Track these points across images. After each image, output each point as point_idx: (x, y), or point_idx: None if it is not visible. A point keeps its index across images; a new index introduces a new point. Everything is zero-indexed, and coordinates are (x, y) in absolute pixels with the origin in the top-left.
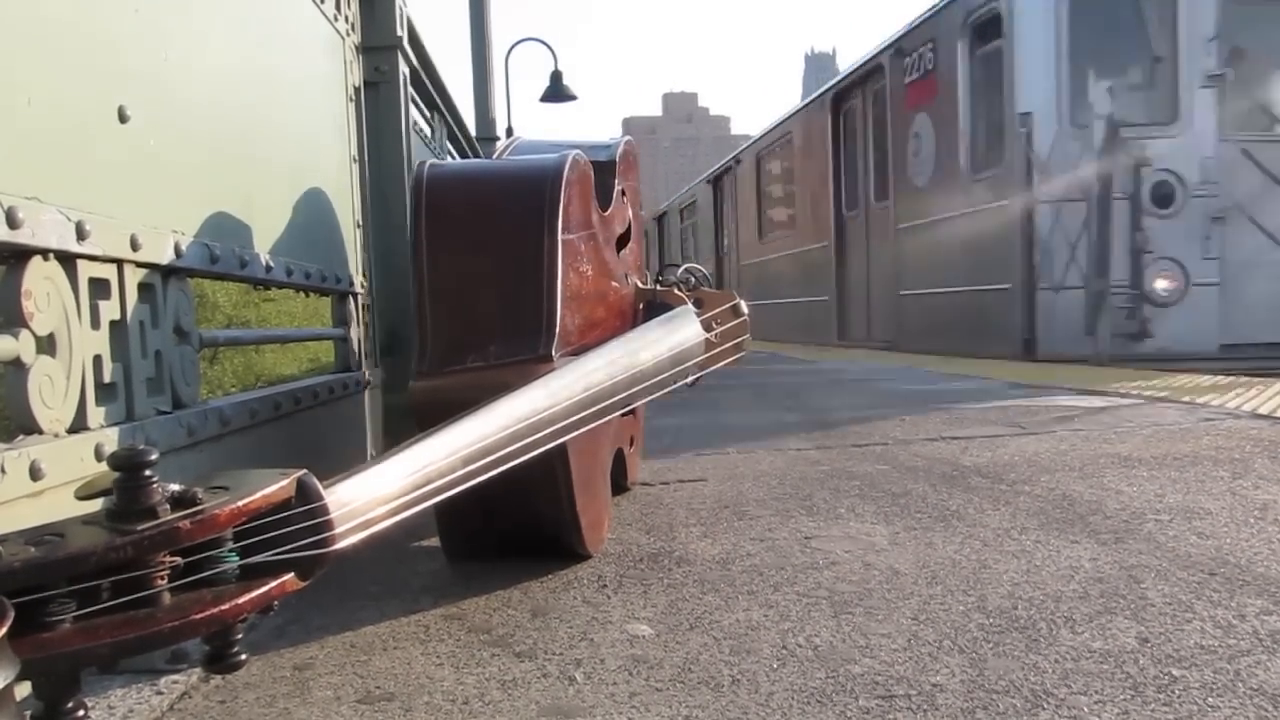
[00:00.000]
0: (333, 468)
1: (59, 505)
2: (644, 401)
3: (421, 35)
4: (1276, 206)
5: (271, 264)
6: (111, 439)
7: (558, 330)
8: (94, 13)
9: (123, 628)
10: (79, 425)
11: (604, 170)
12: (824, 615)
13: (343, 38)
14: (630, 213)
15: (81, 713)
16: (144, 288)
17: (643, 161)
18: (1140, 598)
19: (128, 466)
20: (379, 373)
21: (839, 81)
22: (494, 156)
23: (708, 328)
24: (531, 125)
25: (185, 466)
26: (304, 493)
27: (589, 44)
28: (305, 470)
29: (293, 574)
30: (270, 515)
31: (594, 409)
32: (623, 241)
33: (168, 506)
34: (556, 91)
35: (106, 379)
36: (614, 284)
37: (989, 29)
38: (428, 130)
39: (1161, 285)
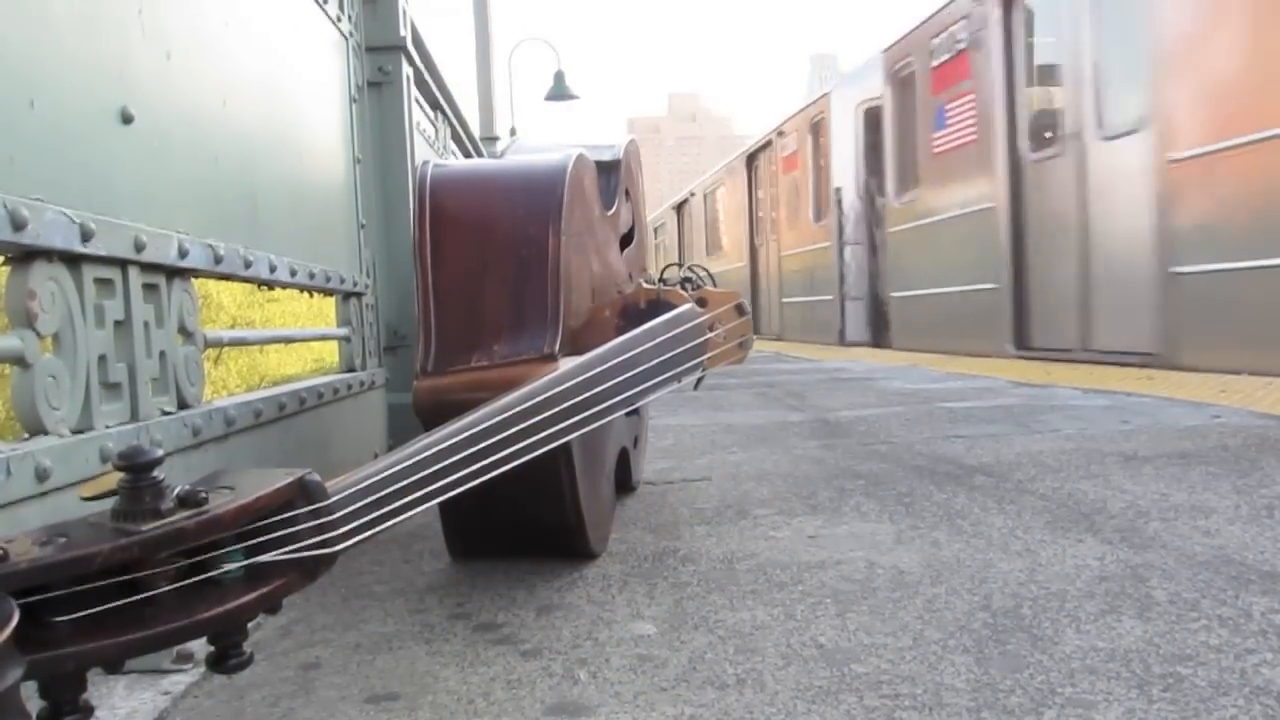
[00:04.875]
0: (337, 467)
1: (64, 505)
2: (647, 400)
3: (425, 35)
4: None
5: (275, 264)
6: (116, 439)
7: (561, 329)
8: (97, 13)
9: (128, 627)
10: (84, 425)
11: (607, 170)
12: (829, 614)
13: (346, 38)
14: (633, 213)
15: (86, 713)
16: (148, 288)
17: (646, 160)
18: (1146, 596)
19: (133, 467)
20: (383, 372)
21: None
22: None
23: (710, 327)
24: (536, 125)
25: (190, 467)
26: (308, 492)
27: (595, 45)
28: (310, 470)
29: (297, 573)
30: (275, 515)
31: (598, 408)
32: (626, 241)
33: (173, 506)
34: (560, 90)
35: (111, 379)
36: (617, 283)
37: None
38: (431, 130)
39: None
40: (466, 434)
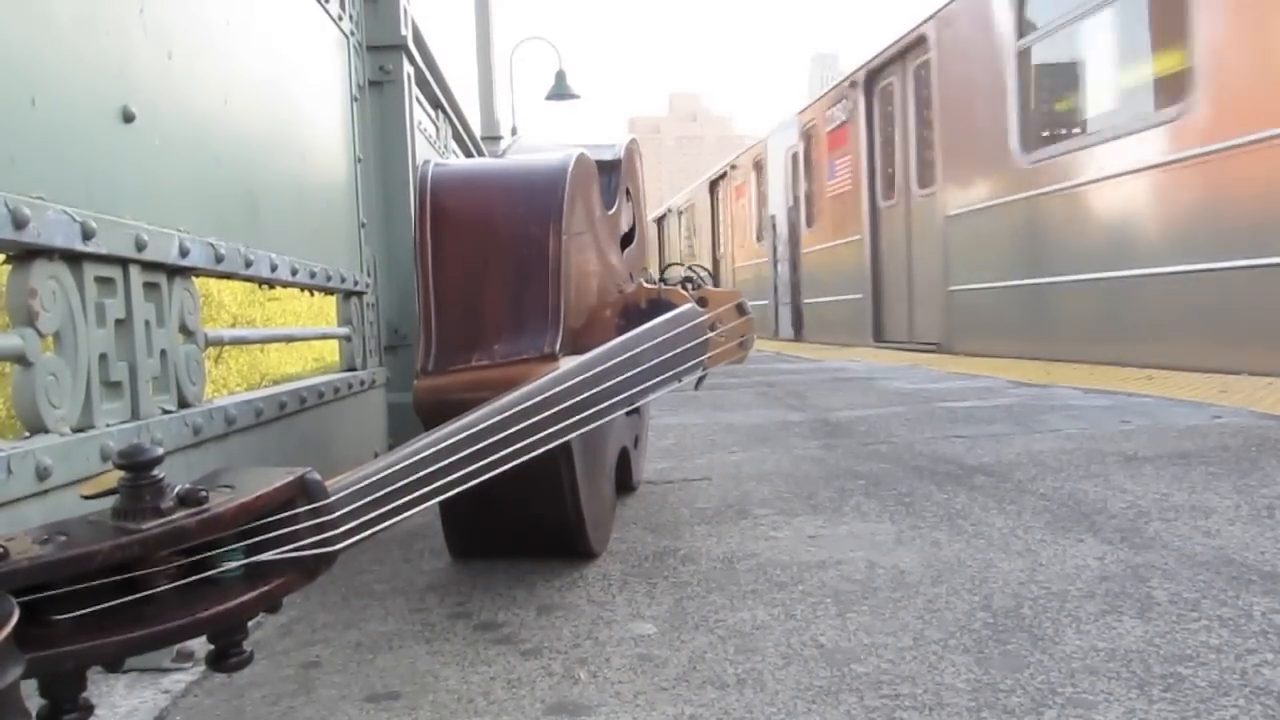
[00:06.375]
0: (337, 466)
1: (65, 504)
2: (648, 400)
3: (426, 34)
4: None
5: (276, 263)
6: (117, 438)
7: (562, 329)
8: (98, 12)
9: (128, 626)
10: (85, 424)
11: (608, 169)
12: (829, 614)
13: (347, 37)
14: (634, 212)
15: (86, 711)
16: (149, 287)
17: (647, 160)
18: (1146, 596)
19: (133, 465)
20: (383, 371)
21: None
22: (499, 156)
23: (711, 326)
24: (537, 124)
25: (191, 465)
26: (308, 491)
27: (596, 44)
28: (310, 469)
29: (297, 572)
30: (275, 514)
31: (598, 407)
32: (626, 241)
33: (173, 505)
34: (561, 90)
35: (112, 378)
36: (618, 283)
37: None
38: (432, 129)
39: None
40: (467, 433)
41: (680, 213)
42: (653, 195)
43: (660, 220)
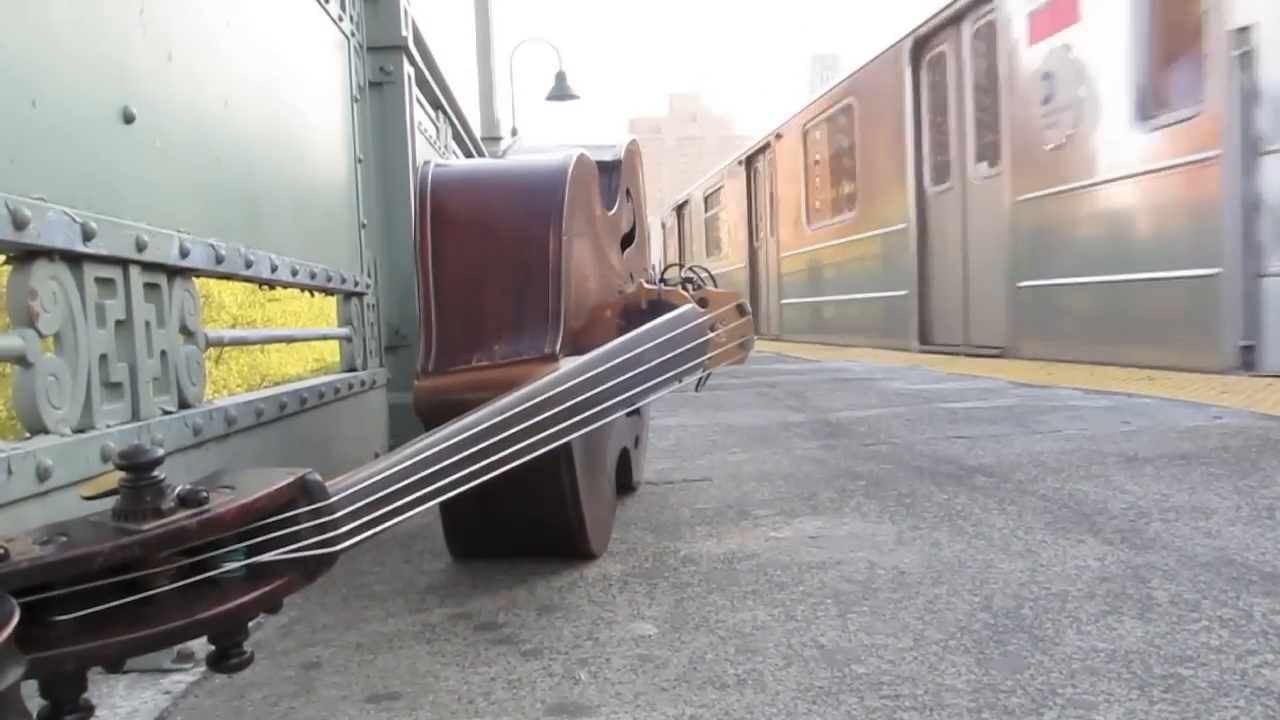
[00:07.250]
0: (338, 467)
1: (65, 505)
2: (648, 401)
3: (426, 35)
4: None
5: (277, 264)
6: (118, 439)
7: (562, 329)
8: (98, 13)
9: (129, 627)
10: (85, 425)
11: (608, 170)
12: (829, 615)
13: (347, 38)
14: (634, 213)
15: (87, 712)
16: (150, 288)
17: (648, 160)
18: (1147, 597)
19: (134, 466)
20: (384, 372)
21: None
22: (499, 157)
23: (711, 327)
24: (537, 125)
25: (191, 466)
26: (309, 492)
27: (596, 45)
28: (310, 470)
29: (298, 573)
30: (276, 515)
31: (598, 408)
32: (627, 241)
33: (174, 506)
34: (561, 90)
35: (112, 379)
36: (618, 283)
37: None
38: (432, 130)
39: None
40: (467, 434)
41: (808, 128)
42: (653, 196)
43: (751, 160)
